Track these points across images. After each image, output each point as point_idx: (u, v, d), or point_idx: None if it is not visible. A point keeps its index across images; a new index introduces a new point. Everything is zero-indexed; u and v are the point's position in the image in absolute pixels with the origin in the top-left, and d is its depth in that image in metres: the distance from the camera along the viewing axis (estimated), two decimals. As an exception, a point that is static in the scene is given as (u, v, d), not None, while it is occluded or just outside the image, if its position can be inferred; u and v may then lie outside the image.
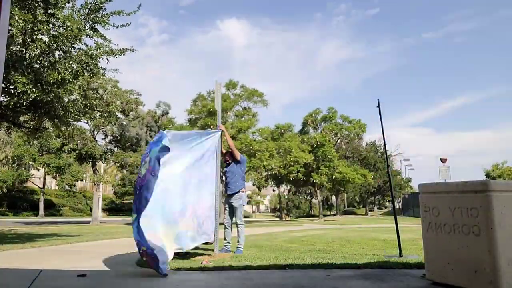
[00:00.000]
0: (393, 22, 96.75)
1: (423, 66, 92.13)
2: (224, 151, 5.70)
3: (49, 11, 6.46)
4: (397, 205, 43.05)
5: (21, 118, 8.44)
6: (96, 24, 7.25)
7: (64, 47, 6.85)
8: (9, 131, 9.00)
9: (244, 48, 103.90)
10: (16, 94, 6.68)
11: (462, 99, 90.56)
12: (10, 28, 5.80)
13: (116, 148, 24.73)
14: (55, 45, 6.67)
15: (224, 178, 5.87)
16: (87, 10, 7.04)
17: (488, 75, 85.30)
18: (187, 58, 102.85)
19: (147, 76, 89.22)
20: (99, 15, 7.16)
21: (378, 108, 5.50)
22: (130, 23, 7.49)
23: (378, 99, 5.51)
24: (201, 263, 4.43)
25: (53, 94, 6.77)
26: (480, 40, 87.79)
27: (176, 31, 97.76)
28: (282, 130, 24.44)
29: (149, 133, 36.35)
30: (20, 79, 6.21)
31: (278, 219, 38.60)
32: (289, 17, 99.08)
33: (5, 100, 6.93)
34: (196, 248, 6.37)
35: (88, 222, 20.97)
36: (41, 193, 30.30)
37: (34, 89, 6.42)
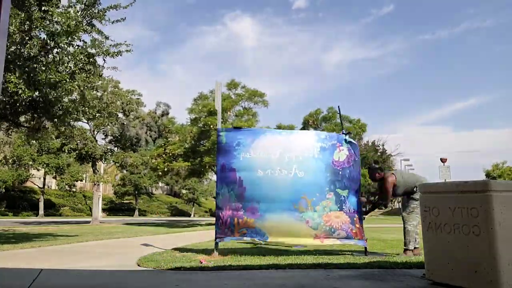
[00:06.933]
0: (406, 21, 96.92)
1: (431, 66, 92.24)
2: None
3: (43, 8, 6.41)
4: (396, 205, 43.01)
5: (21, 118, 8.42)
6: (92, 20, 7.21)
7: (62, 44, 6.79)
8: (9, 131, 8.99)
9: (252, 48, 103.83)
10: (8, 94, 6.63)
11: (471, 99, 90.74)
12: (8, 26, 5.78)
13: (116, 148, 24.72)
14: (53, 43, 6.63)
15: None
16: (82, 5, 7.00)
17: (498, 75, 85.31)
18: (192, 57, 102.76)
19: (149, 75, 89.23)
20: (96, 10, 7.11)
21: (338, 115, 5.73)
22: (125, 18, 7.44)
23: (338, 106, 5.82)
24: (200, 262, 4.43)
25: (51, 95, 6.74)
26: (492, 40, 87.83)
27: (182, 28, 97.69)
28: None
29: (149, 133, 36.35)
30: (12, 79, 6.16)
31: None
32: (299, 17, 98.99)
33: (4, 100, 6.90)
34: (196, 248, 6.38)
35: (88, 222, 20.96)
36: (41, 193, 30.29)
37: (26, 90, 6.34)
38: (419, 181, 5.23)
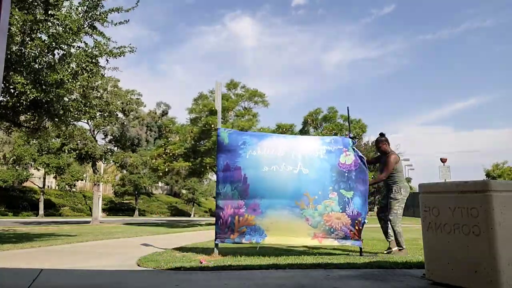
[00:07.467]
0: (406, 21, 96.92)
1: (431, 66, 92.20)
2: None
3: (49, 12, 6.46)
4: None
5: (21, 118, 8.43)
6: (94, 22, 7.23)
7: (63, 46, 6.83)
8: (9, 131, 9.00)
9: (252, 48, 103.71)
10: (15, 94, 6.68)
11: (471, 99, 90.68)
12: (9, 27, 5.79)
13: (116, 148, 24.74)
14: (54, 44, 6.66)
15: None
16: (85, 7, 7.02)
17: (498, 75, 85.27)
18: (192, 56, 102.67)
19: (149, 75, 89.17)
20: (97, 13, 7.14)
21: (347, 115, 5.96)
22: (128, 20, 7.49)
23: (347, 107, 6.06)
24: (200, 262, 4.43)
25: (52, 94, 6.76)
26: (492, 40, 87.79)
27: (182, 28, 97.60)
28: (284, 129, 24.36)
29: (149, 133, 36.33)
30: (20, 80, 6.20)
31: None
32: (298, 13, 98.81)
33: (5, 100, 6.92)
34: (196, 248, 6.39)
35: (88, 222, 20.97)
36: (41, 193, 30.29)
37: (33, 90, 6.41)
38: (403, 182, 5.58)
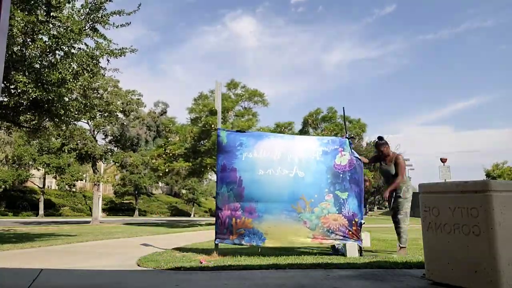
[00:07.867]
0: (406, 21, 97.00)
1: (431, 66, 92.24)
2: None
3: (51, 14, 6.47)
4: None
5: (21, 118, 8.44)
6: (96, 24, 7.24)
7: (64, 47, 6.85)
8: (10, 131, 9.01)
9: (252, 48, 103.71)
10: (17, 94, 6.69)
11: (471, 99, 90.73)
12: (10, 28, 5.80)
13: (116, 148, 24.74)
14: (55, 45, 6.67)
15: None
16: (87, 10, 7.04)
17: (498, 75, 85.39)
18: (192, 56, 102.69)
19: (149, 75, 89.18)
20: (99, 15, 7.15)
21: (343, 115, 5.95)
22: (130, 23, 7.50)
23: (343, 108, 6.02)
24: (200, 262, 4.43)
25: (54, 93, 6.77)
26: (493, 40, 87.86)
27: (182, 28, 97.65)
28: (283, 128, 24.35)
29: (149, 133, 36.33)
30: (21, 79, 6.22)
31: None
32: (298, 11, 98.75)
33: (6, 100, 6.93)
34: (196, 248, 6.39)
35: (88, 222, 20.98)
36: (41, 193, 30.29)
37: (35, 89, 6.42)
38: (409, 182, 5.67)
